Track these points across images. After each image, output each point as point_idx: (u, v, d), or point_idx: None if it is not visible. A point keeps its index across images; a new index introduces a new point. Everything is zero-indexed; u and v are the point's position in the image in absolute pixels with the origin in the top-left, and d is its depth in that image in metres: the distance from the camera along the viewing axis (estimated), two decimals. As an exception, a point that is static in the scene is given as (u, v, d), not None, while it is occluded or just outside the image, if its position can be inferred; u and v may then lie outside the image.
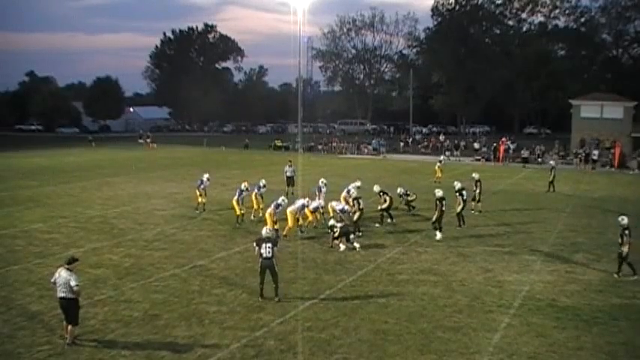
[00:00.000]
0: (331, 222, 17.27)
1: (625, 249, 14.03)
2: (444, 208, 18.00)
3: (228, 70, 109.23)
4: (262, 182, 21.18)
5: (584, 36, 75.06)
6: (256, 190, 20.76)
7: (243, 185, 20.48)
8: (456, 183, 20.56)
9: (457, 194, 19.88)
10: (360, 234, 18.15)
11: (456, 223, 19.74)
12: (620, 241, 14.24)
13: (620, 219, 14.57)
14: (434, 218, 18.13)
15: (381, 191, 20.40)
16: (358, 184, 21.62)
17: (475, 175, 23.22)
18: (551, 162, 32.70)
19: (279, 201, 18.03)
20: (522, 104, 76.76)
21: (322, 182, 21.86)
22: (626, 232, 14.08)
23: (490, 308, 12.06)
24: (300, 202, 18.33)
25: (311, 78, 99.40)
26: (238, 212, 19.94)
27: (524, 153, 45.07)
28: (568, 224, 20.36)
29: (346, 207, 19.20)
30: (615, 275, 14.19)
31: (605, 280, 14.07)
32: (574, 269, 14.84)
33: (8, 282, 13.48)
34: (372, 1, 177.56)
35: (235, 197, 20.15)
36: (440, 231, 18.06)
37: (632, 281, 13.98)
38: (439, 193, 18.57)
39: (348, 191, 20.47)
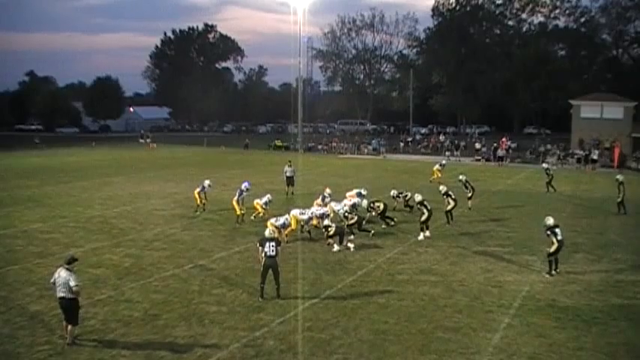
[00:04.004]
0: (326, 222, 17.25)
1: (553, 248, 14.18)
2: (429, 207, 18.11)
3: (228, 70, 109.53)
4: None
5: (584, 36, 75.02)
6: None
7: (244, 185, 20.54)
8: (441, 187, 20.87)
9: (444, 196, 20.21)
10: (372, 232, 18.17)
11: (452, 222, 20.05)
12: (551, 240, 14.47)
13: (545, 219, 14.74)
14: (423, 218, 18.11)
15: (370, 202, 20.07)
16: (364, 192, 21.59)
17: (462, 177, 23.63)
18: (544, 165, 32.77)
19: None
20: (522, 104, 76.66)
21: (327, 193, 21.25)
22: (548, 232, 14.28)
23: (490, 308, 12.06)
24: (308, 214, 17.99)
25: (311, 78, 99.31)
26: (238, 212, 19.96)
27: (501, 152, 44.97)
28: (568, 224, 20.29)
29: (346, 207, 19.14)
30: (546, 275, 14.23)
31: (605, 280, 14.07)
32: (574, 269, 14.83)
33: (8, 282, 13.48)
34: (372, 1, 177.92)
35: (235, 197, 20.18)
36: (422, 231, 18.06)
37: (632, 281, 14.00)
38: (418, 197, 18.65)
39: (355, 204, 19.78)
